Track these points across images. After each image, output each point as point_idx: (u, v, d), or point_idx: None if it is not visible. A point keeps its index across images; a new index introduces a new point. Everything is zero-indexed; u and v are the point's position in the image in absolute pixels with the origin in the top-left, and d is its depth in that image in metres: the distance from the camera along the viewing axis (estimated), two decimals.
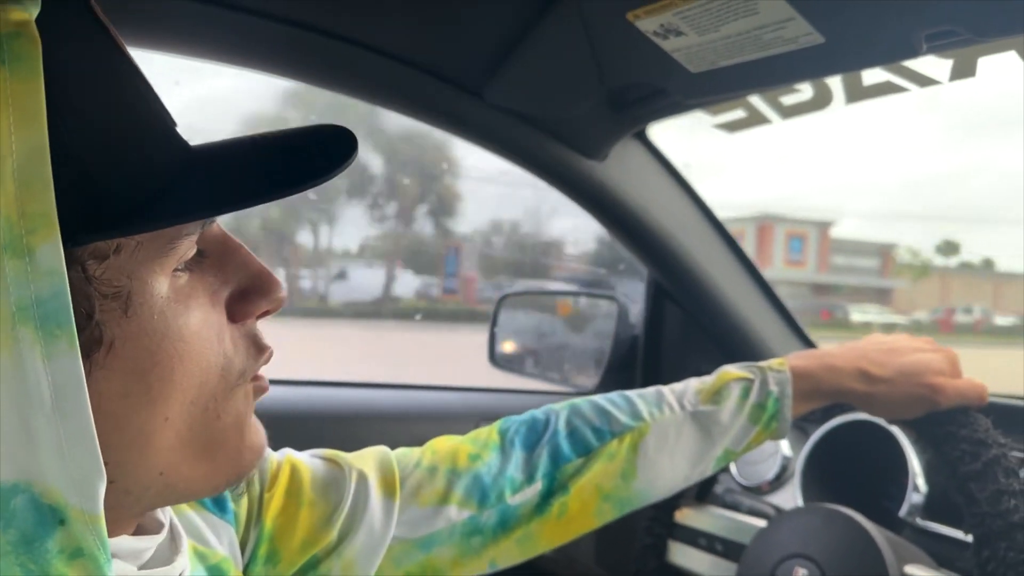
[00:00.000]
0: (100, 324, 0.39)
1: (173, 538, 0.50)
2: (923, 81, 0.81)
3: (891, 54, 0.74)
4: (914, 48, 0.71)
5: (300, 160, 0.42)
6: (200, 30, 0.83)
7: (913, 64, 0.78)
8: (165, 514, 0.51)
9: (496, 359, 1.41)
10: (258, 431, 0.49)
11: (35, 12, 0.35)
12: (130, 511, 0.45)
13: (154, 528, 0.49)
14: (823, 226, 26.60)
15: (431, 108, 0.97)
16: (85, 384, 0.36)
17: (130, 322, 0.40)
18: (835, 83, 0.88)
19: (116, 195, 0.38)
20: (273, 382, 1.27)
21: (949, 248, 29.03)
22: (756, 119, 0.96)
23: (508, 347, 1.44)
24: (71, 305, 0.35)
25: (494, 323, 1.43)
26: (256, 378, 0.48)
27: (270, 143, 0.43)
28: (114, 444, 0.40)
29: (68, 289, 0.35)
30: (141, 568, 0.46)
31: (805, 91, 0.90)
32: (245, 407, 0.47)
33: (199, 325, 0.43)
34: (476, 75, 0.92)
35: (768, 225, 24.83)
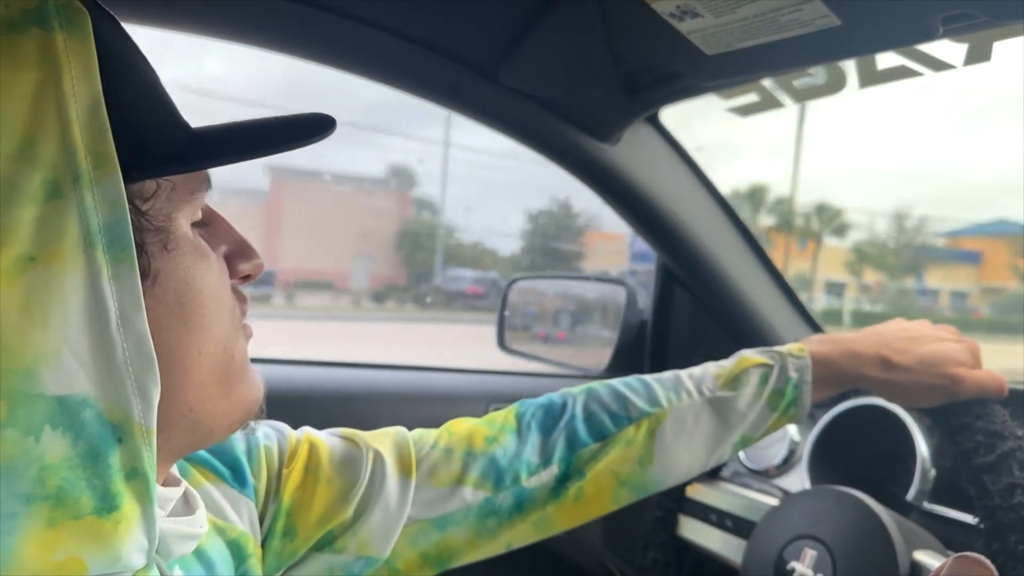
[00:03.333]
0: (148, 255, 0.44)
1: (187, 495, 0.54)
2: (938, 65, 0.81)
3: (907, 37, 0.74)
4: (930, 31, 0.71)
5: (294, 128, 0.49)
6: (215, 8, 0.83)
7: (927, 48, 0.78)
8: (177, 473, 0.55)
9: (505, 344, 1.42)
10: (257, 374, 0.55)
11: None
12: (158, 452, 0.46)
13: (173, 484, 0.53)
14: None
15: (445, 89, 0.98)
16: (143, 304, 0.41)
17: (170, 257, 0.46)
18: (849, 67, 0.87)
19: (158, 144, 0.44)
20: (290, 363, 1.27)
21: None
22: (769, 103, 0.96)
23: (518, 331, 1.45)
24: (131, 233, 0.41)
25: (503, 308, 1.43)
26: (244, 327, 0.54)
27: (265, 119, 0.49)
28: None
29: (129, 218, 0.41)
30: (168, 516, 0.50)
31: (818, 75, 0.90)
32: (245, 347, 0.54)
33: (215, 270, 0.50)
34: (491, 57, 0.92)
35: None
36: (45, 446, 0.37)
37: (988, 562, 0.33)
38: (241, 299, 0.53)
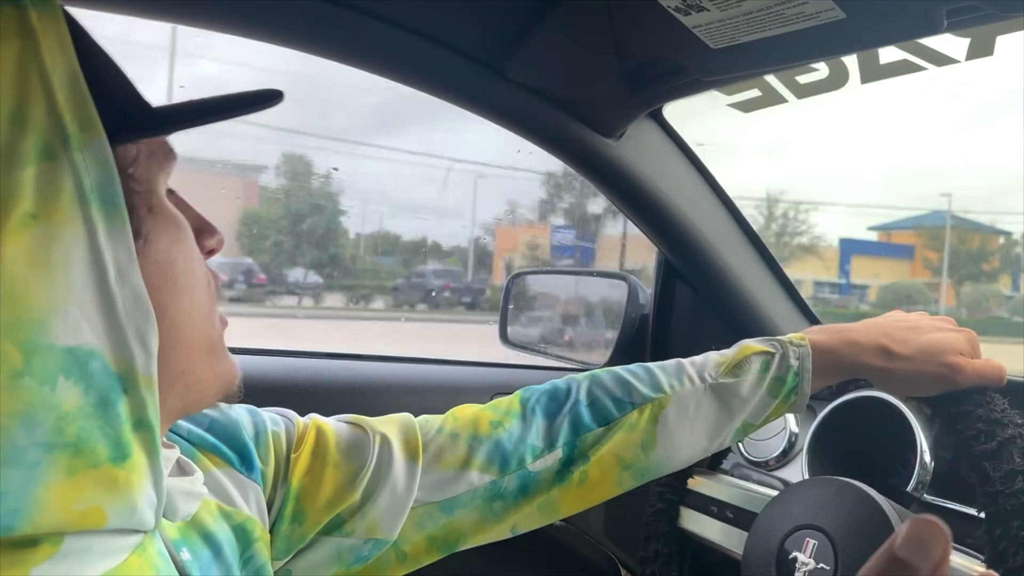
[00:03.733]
0: (138, 217, 0.46)
1: (181, 465, 0.55)
2: (940, 60, 0.81)
3: (912, 31, 0.75)
4: (935, 24, 0.71)
5: (249, 99, 0.51)
6: (224, 1, 0.83)
7: (930, 42, 0.79)
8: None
9: (507, 338, 1.42)
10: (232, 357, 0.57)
11: None
12: None
13: (168, 447, 0.54)
14: None
15: (451, 84, 0.98)
16: (136, 258, 0.43)
17: (155, 219, 0.48)
18: (851, 62, 0.88)
19: (133, 111, 0.47)
20: (297, 354, 1.28)
21: None
22: (771, 98, 0.96)
23: (519, 326, 1.46)
24: (121, 192, 0.43)
25: (505, 302, 1.44)
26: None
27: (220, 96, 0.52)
28: None
29: (117, 178, 0.42)
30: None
31: (821, 70, 0.91)
32: (221, 329, 0.56)
33: (191, 239, 0.52)
34: (497, 52, 0.93)
35: None
36: (60, 395, 0.39)
37: (943, 524, 0.34)
38: (212, 275, 0.55)
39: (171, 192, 0.53)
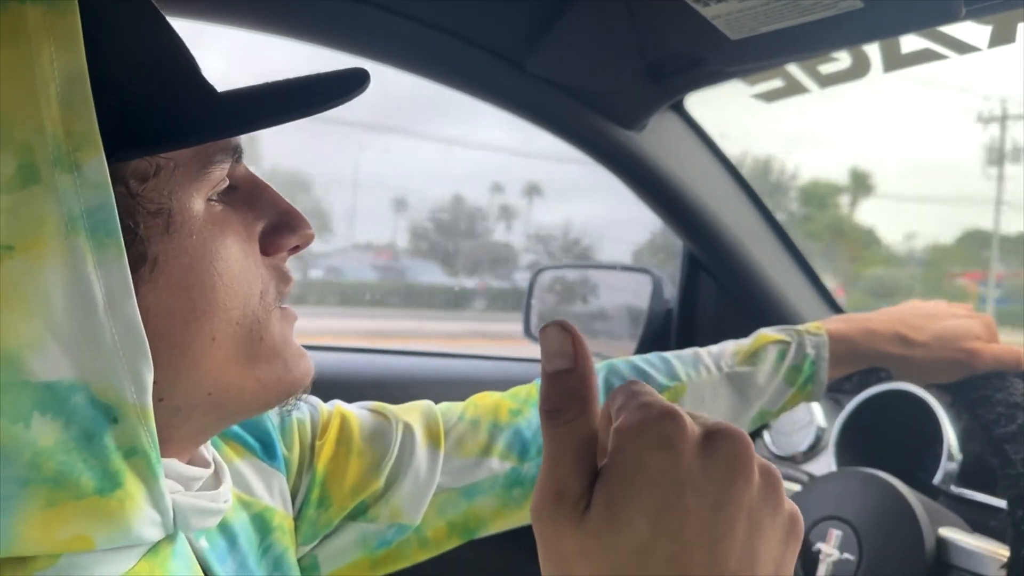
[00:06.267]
0: (144, 240, 0.42)
1: (217, 472, 0.53)
2: (962, 48, 0.81)
3: (931, 19, 0.74)
4: (954, 12, 0.71)
5: (309, 93, 0.46)
6: None
7: (951, 30, 0.78)
8: (209, 451, 0.54)
9: (531, 332, 1.43)
10: (302, 351, 0.53)
11: None
12: (179, 433, 0.47)
13: (202, 465, 0.51)
14: None
15: (473, 79, 0.99)
16: (133, 289, 0.39)
17: (171, 240, 0.43)
18: (873, 51, 0.88)
19: (153, 119, 0.42)
20: (321, 348, 1.29)
21: None
22: (794, 88, 0.96)
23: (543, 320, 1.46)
24: (117, 216, 0.39)
25: (529, 296, 1.44)
26: (285, 297, 0.52)
27: (290, 82, 0.47)
28: (163, 362, 0.42)
29: (114, 201, 0.39)
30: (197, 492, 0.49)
31: (843, 59, 0.91)
32: (284, 329, 0.51)
33: (236, 249, 0.47)
34: (518, 46, 0.94)
35: None
36: (36, 432, 0.37)
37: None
38: (282, 279, 0.51)
39: (232, 189, 0.48)
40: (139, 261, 0.42)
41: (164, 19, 0.45)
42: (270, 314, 0.49)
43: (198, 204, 0.45)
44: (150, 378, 0.40)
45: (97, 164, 0.38)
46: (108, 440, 0.39)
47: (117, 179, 0.40)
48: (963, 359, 0.80)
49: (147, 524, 0.42)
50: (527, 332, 1.42)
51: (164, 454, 0.44)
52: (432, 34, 0.92)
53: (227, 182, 0.47)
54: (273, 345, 0.49)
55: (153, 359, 0.41)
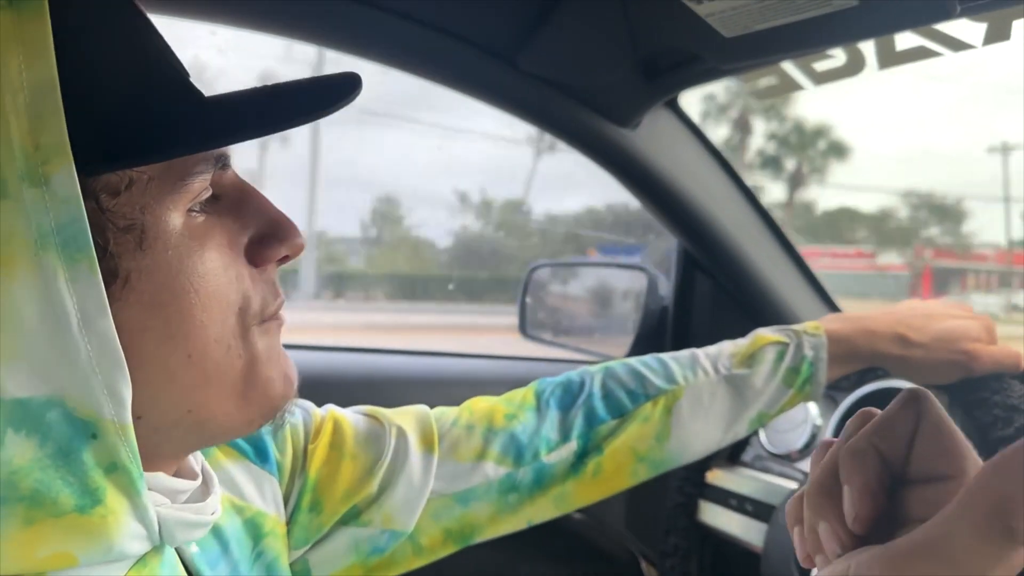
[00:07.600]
0: (115, 256, 0.41)
1: (205, 482, 0.52)
2: (956, 45, 0.80)
3: (926, 16, 0.74)
4: (948, 10, 0.70)
5: (299, 100, 0.44)
6: None
7: (946, 28, 0.78)
8: (198, 461, 0.53)
9: (526, 330, 1.42)
10: (289, 365, 0.51)
11: None
12: (161, 449, 0.46)
13: (190, 476, 0.51)
14: None
15: (464, 75, 0.98)
16: (108, 306, 0.38)
17: (145, 256, 0.42)
18: (868, 48, 0.87)
19: (126, 131, 0.40)
20: (312, 348, 1.29)
21: None
22: (788, 85, 0.95)
23: (538, 318, 1.46)
24: (89, 231, 0.38)
25: (524, 294, 1.43)
26: (275, 316, 0.50)
27: (279, 88, 0.45)
28: (139, 380, 0.41)
29: (85, 216, 0.38)
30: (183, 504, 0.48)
31: (838, 57, 0.90)
32: (268, 344, 0.49)
33: (216, 263, 0.45)
34: (510, 42, 0.93)
35: None
36: (10, 450, 0.37)
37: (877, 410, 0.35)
38: (270, 292, 0.49)
39: (215, 198, 0.46)
40: (110, 278, 0.40)
41: (147, 22, 0.44)
42: (249, 331, 0.47)
43: (175, 218, 0.43)
44: (128, 394, 0.40)
45: (67, 178, 0.37)
46: (87, 456, 0.39)
47: (88, 194, 0.39)
48: (962, 360, 0.79)
49: (131, 539, 0.41)
50: (522, 330, 1.42)
51: (149, 468, 0.44)
52: (422, 31, 0.91)
53: (210, 191, 0.46)
54: (253, 363, 0.47)
55: (130, 376, 0.40)
